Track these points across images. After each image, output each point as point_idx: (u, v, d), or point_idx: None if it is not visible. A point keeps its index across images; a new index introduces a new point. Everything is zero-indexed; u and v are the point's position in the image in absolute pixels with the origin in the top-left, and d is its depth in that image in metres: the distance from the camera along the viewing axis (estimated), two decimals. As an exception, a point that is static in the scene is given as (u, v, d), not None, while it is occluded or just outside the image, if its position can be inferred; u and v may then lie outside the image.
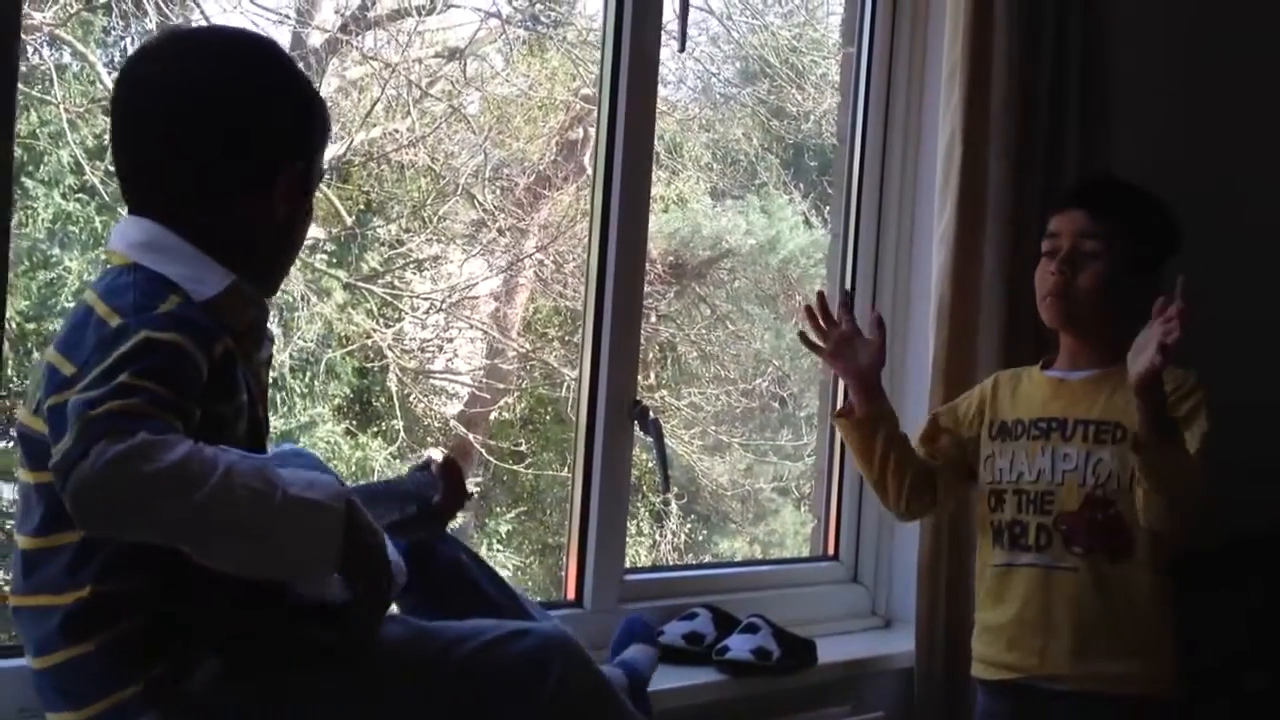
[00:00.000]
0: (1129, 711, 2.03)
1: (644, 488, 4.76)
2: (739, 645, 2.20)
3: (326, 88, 4.57)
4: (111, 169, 3.92)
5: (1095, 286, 2.08)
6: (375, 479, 4.30)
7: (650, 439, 2.29)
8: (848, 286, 2.53)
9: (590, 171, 2.31)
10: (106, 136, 4.10)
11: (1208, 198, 2.56)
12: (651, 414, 2.30)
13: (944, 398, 2.44)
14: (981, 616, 2.18)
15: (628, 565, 2.37)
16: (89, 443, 1.16)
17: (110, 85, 4.05)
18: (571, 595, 2.25)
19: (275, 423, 4.26)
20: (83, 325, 1.30)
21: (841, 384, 2.63)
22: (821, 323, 2.12)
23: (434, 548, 1.67)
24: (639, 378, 4.82)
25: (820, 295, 2.16)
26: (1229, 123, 3.08)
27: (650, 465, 3.92)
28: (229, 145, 1.40)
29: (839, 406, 2.20)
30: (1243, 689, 2.69)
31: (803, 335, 2.18)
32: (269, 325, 1.50)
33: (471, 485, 1.79)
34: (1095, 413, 2.08)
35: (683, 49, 2.48)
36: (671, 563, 4.93)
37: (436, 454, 1.74)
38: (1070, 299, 2.09)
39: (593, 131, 2.28)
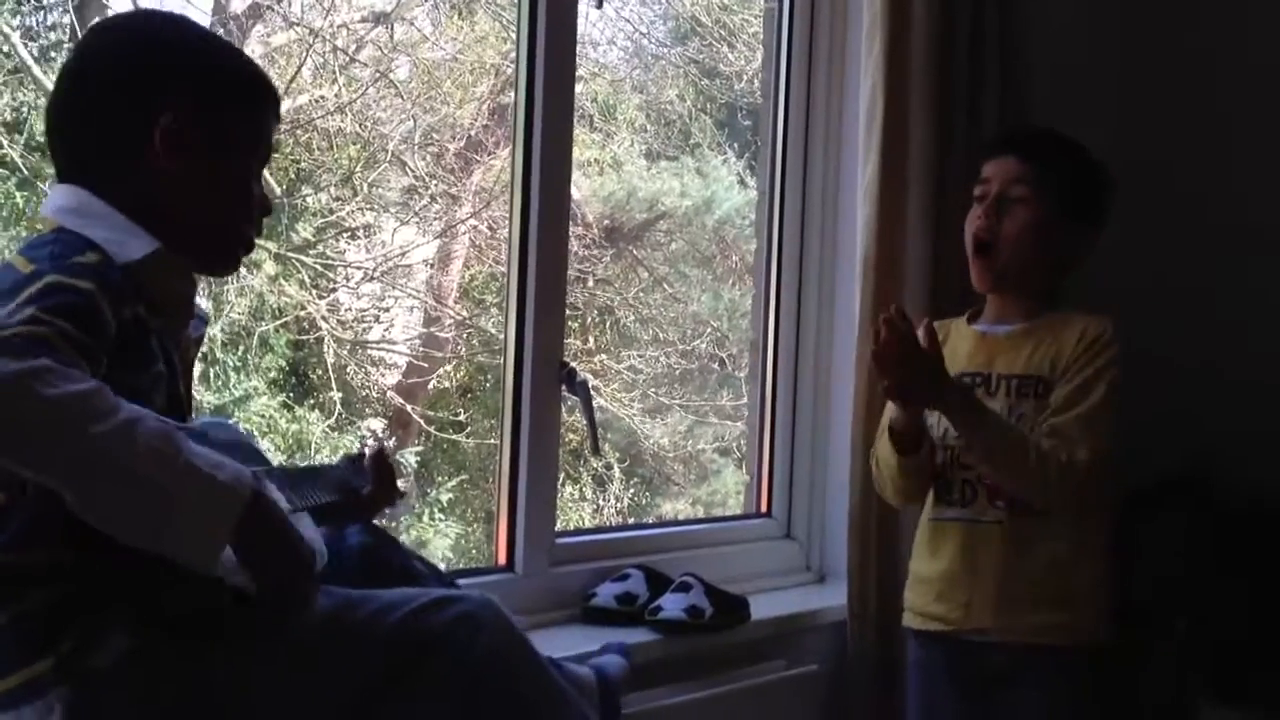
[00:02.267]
0: (1056, 661, 2.06)
1: (585, 452, 4.76)
2: (672, 604, 2.21)
3: (250, 55, 4.49)
4: (31, 144, 3.85)
5: (1020, 231, 2.09)
6: (310, 459, 4.29)
7: (579, 401, 2.29)
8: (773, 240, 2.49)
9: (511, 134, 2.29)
10: (24, 109, 4.03)
11: (1128, 153, 2.58)
12: (579, 375, 2.29)
13: (870, 348, 2.45)
14: (914, 566, 2.21)
15: (568, 529, 2.37)
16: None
17: (26, 56, 3.98)
18: (503, 560, 2.25)
19: (209, 397, 4.20)
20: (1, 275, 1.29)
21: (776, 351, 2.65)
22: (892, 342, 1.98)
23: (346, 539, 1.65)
24: (578, 342, 4.79)
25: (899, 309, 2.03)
26: (1149, 76, 3.10)
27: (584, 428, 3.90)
28: (115, 100, 1.42)
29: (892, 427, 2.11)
30: (1175, 632, 2.74)
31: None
32: (201, 303, 1.48)
33: (402, 484, 1.78)
34: (1018, 367, 2.10)
35: (600, 5, 2.45)
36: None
37: (370, 447, 1.74)
38: (996, 255, 2.10)
39: (523, 95, 2.25)
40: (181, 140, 1.42)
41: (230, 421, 1.91)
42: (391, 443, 4.63)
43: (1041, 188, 2.09)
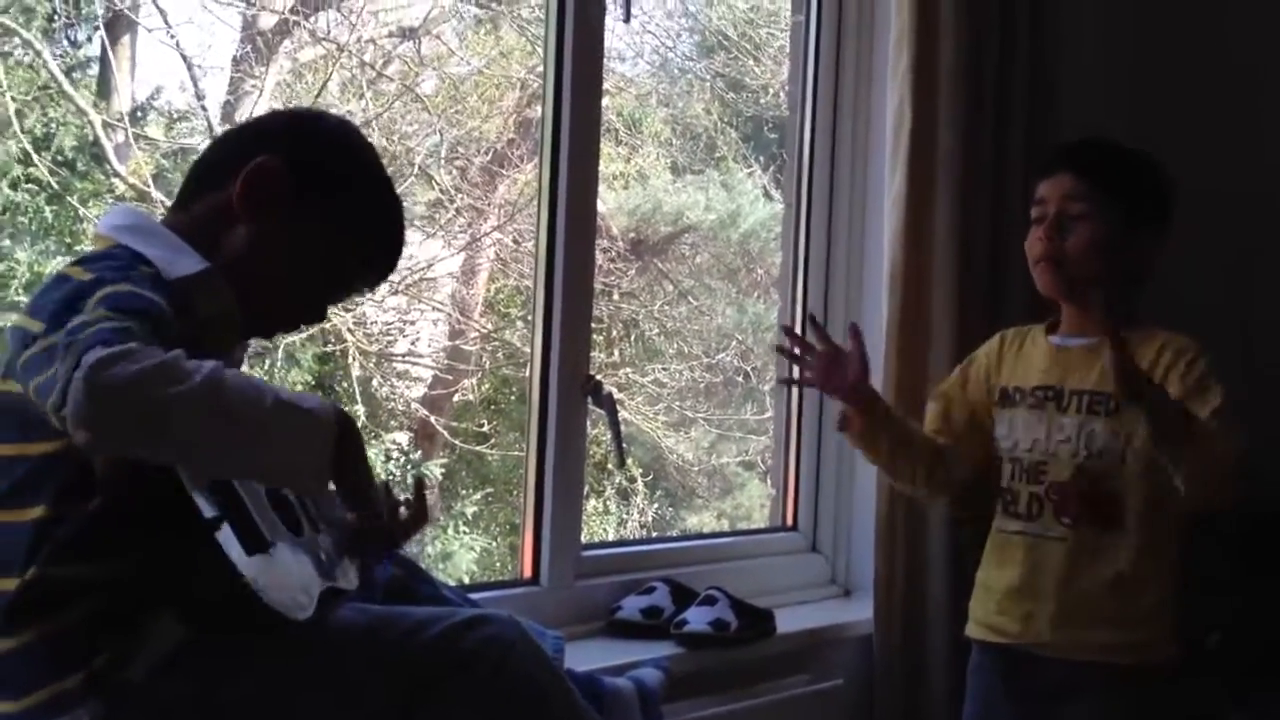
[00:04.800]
0: (1118, 679, 2.03)
1: (609, 466, 4.76)
2: (697, 618, 2.20)
3: (278, 71, 4.52)
4: (60, 159, 3.89)
5: (1085, 249, 2.05)
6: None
7: (605, 414, 2.29)
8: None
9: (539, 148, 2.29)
10: (53, 125, 4.07)
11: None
12: (605, 389, 2.29)
13: (898, 361, 2.45)
14: (980, 576, 2.18)
15: (593, 542, 2.37)
16: (79, 356, 1.16)
17: (56, 71, 4.02)
18: (528, 573, 2.24)
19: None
20: (52, 288, 1.30)
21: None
22: (797, 351, 2.06)
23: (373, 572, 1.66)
24: (603, 355, 4.80)
25: (786, 329, 2.10)
26: (1176, 91, 3.09)
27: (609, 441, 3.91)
28: (228, 146, 1.51)
29: (836, 419, 2.14)
30: (1208, 646, 2.71)
31: (784, 380, 2.13)
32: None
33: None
34: (1090, 382, 2.05)
35: (627, 20, 2.46)
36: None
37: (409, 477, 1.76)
38: (1062, 265, 2.07)
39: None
40: (265, 184, 1.44)
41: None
42: (418, 456, 4.65)
43: (1100, 202, 2.05)
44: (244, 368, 1.63)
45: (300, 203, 1.45)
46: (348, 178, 1.50)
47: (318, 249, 1.47)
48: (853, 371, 2.04)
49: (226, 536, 1.28)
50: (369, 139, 1.60)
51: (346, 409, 1.43)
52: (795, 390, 2.74)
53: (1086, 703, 2.04)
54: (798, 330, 2.07)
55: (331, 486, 1.33)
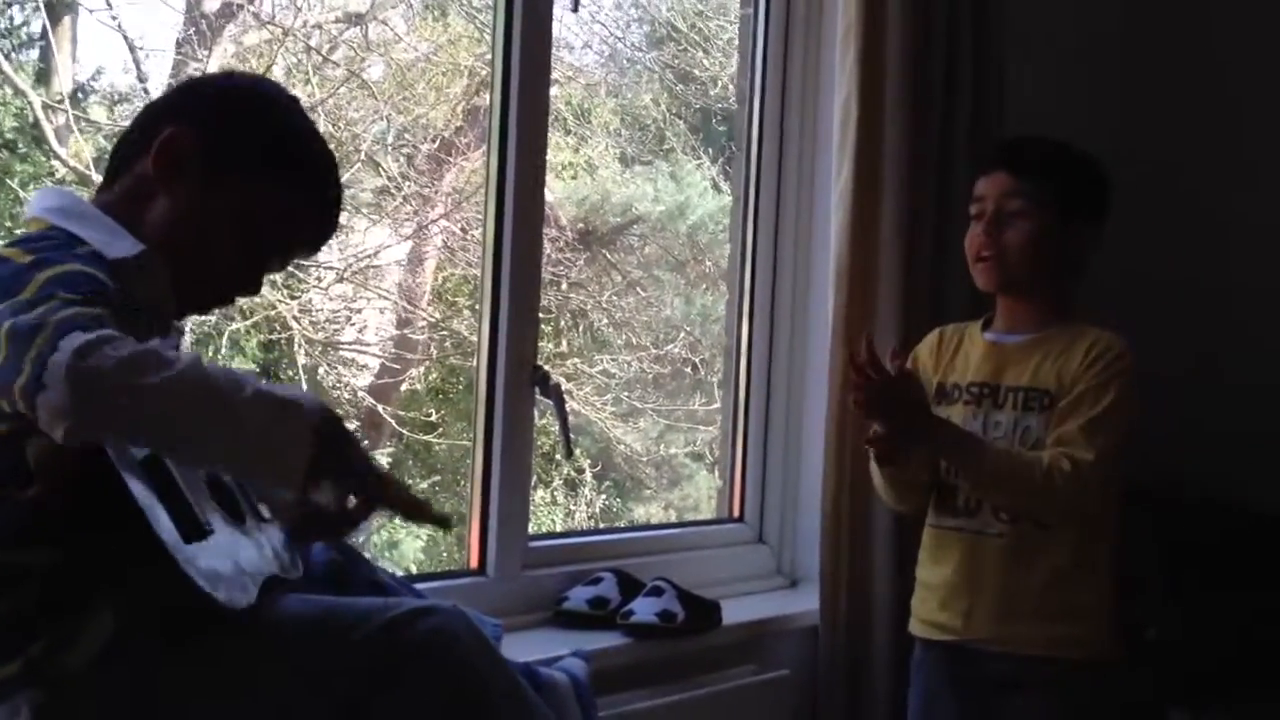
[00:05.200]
0: (1059, 674, 2.06)
1: (557, 456, 4.75)
2: (644, 608, 2.21)
3: (222, 54, 4.46)
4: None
5: (1022, 245, 2.08)
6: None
7: (552, 404, 2.28)
8: (746, 247, 2.47)
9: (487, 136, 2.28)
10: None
11: (1103, 154, 2.60)
12: (552, 379, 2.28)
13: (844, 357, 2.46)
14: (919, 573, 2.20)
15: (540, 533, 2.37)
16: (53, 341, 1.14)
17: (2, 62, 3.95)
18: (475, 563, 2.24)
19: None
20: None
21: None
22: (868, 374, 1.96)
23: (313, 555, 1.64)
24: (551, 345, 4.78)
25: (852, 357, 1.99)
26: (1124, 83, 3.13)
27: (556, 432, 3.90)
28: (143, 119, 1.47)
29: (873, 449, 2.07)
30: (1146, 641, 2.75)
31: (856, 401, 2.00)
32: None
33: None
34: (1025, 379, 2.09)
35: (575, 9, 2.45)
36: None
37: None
38: (1001, 261, 2.09)
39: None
40: (181, 159, 1.42)
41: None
42: (364, 444, 4.61)
43: (1037, 199, 2.09)
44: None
45: (215, 170, 1.43)
46: (261, 138, 1.46)
47: (241, 215, 1.44)
48: (913, 402, 2.00)
49: (162, 523, 1.26)
50: (287, 93, 1.55)
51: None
52: (744, 384, 2.75)
53: (1029, 696, 2.07)
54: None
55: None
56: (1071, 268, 2.13)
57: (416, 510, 1.39)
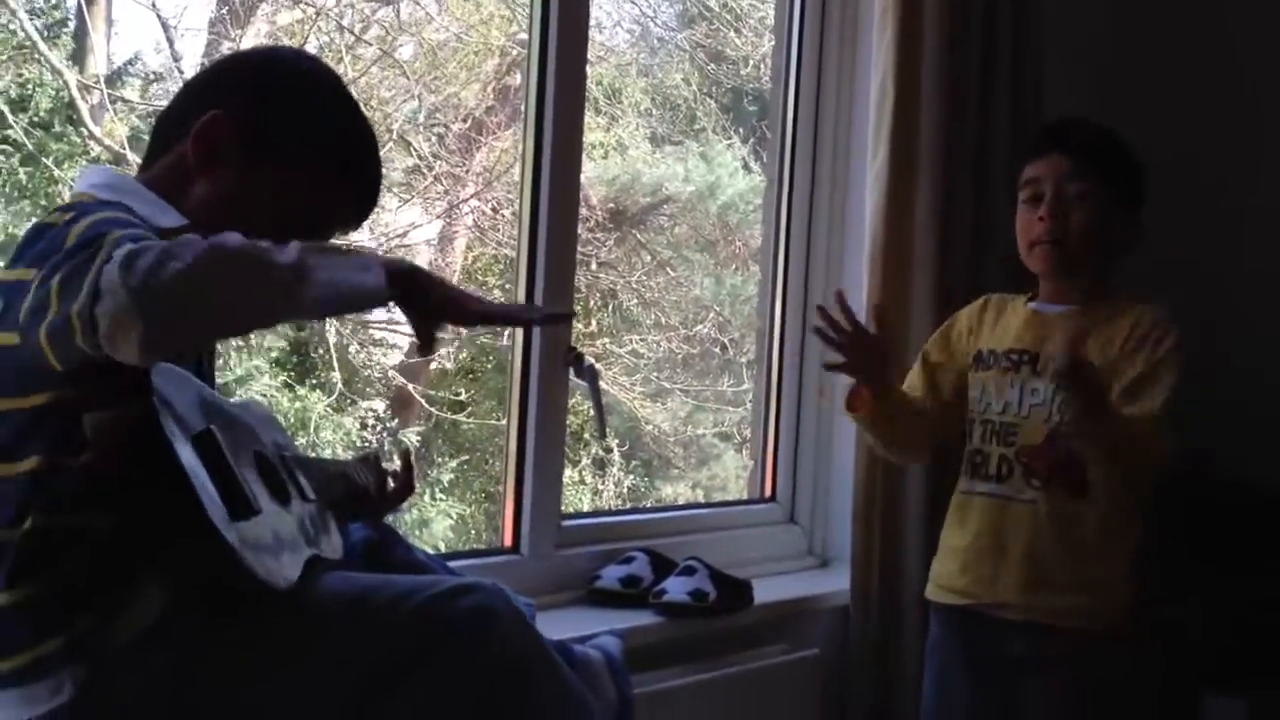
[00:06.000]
0: (1077, 648, 2.06)
1: (585, 435, 4.76)
2: (676, 588, 2.22)
3: (255, 34, 4.48)
4: (35, 120, 3.84)
5: (1087, 229, 2.07)
6: (311, 438, 4.29)
7: (586, 385, 2.29)
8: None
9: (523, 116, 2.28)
10: (29, 86, 4.02)
11: (1144, 142, 2.58)
12: (587, 360, 2.29)
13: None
14: (943, 537, 2.21)
15: (569, 512, 2.38)
16: (104, 261, 1.13)
17: (32, 31, 3.97)
18: (509, 542, 2.25)
19: (210, 376, 4.20)
20: (34, 239, 1.29)
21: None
22: (831, 332, 2.03)
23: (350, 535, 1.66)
24: (580, 325, 4.79)
25: (820, 308, 2.06)
26: (1160, 72, 3.10)
27: (590, 412, 3.93)
28: (185, 98, 1.48)
29: (845, 400, 2.14)
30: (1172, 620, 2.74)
31: (830, 365, 2.10)
32: None
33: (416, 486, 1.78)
34: (1067, 348, 2.08)
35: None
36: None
37: (389, 449, 1.74)
38: (1063, 245, 2.08)
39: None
40: (214, 140, 1.42)
41: (261, 401, 1.91)
42: (395, 424, 4.64)
43: (1098, 182, 2.08)
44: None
45: (254, 153, 1.43)
46: (302, 118, 1.46)
47: (281, 198, 1.45)
48: (877, 355, 2.05)
49: (212, 501, 1.27)
50: (328, 69, 1.56)
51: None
52: (776, 364, 2.75)
53: (1045, 674, 2.07)
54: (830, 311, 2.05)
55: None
56: (1121, 252, 2.13)
57: (506, 317, 1.47)
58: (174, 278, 1.12)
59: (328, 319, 1.31)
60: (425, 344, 1.39)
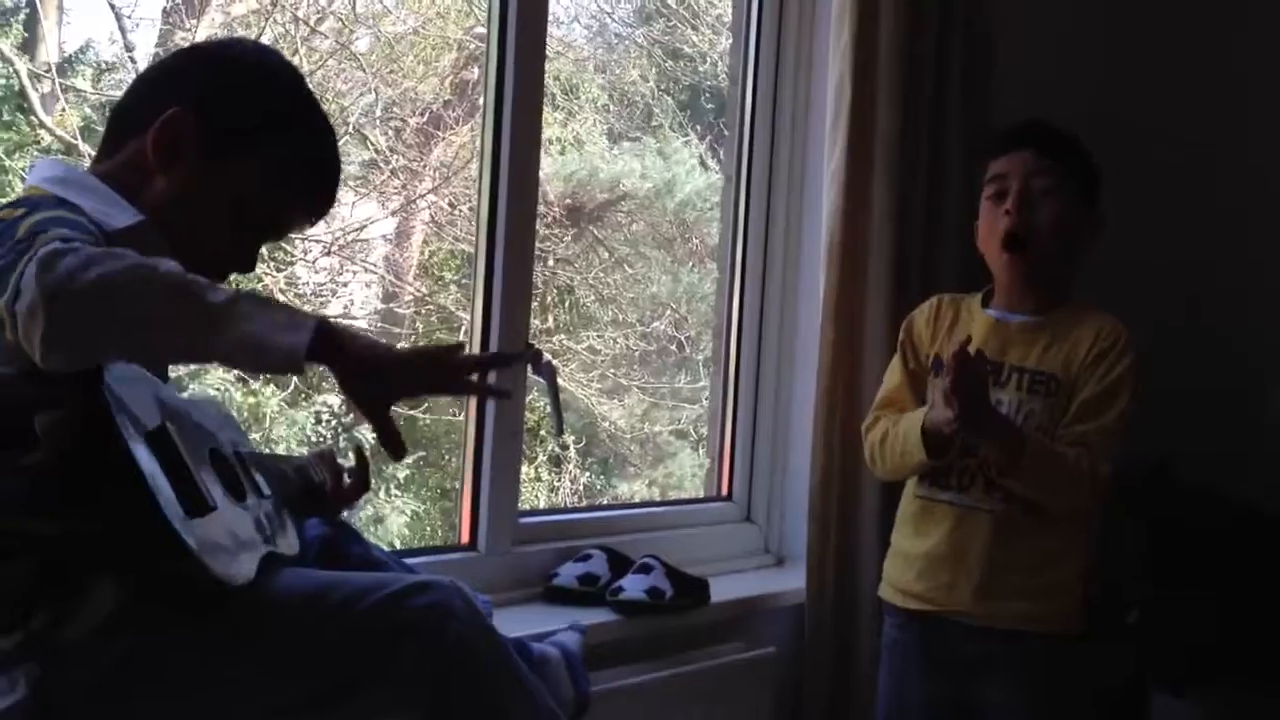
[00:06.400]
0: (1031, 647, 2.09)
1: (542, 432, 4.74)
2: (633, 585, 2.22)
3: (210, 25, 4.42)
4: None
5: (1053, 224, 2.09)
6: (265, 433, 4.24)
7: (544, 381, 2.28)
8: None
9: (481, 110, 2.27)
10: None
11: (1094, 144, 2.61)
12: (544, 357, 2.28)
13: (834, 337, 2.46)
14: (897, 541, 2.21)
15: (525, 509, 2.38)
16: (37, 252, 1.12)
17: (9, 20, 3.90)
18: (465, 539, 2.25)
19: (162, 370, 4.15)
20: None
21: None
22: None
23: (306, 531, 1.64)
24: (537, 321, 4.76)
25: (937, 359, 2.05)
26: (1118, 68, 3.13)
27: (548, 409, 3.91)
28: (142, 90, 1.47)
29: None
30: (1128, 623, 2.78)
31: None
32: None
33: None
34: (1031, 360, 2.10)
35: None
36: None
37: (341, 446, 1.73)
38: (1029, 242, 2.09)
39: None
40: (174, 138, 1.41)
41: (216, 399, 1.89)
42: (350, 419, 4.59)
43: (1063, 178, 2.10)
44: None
45: (213, 151, 1.42)
46: (261, 115, 1.46)
47: (239, 195, 1.44)
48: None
49: (167, 499, 1.26)
50: (288, 64, 1.54)
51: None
52: (733, 362, 2.75)
53: (1001, 675, 2.09)
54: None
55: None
56: (1082, 250, 2.15)
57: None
58: (88, 284, 1.12)
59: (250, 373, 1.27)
60: (390, 444, 1.33)
